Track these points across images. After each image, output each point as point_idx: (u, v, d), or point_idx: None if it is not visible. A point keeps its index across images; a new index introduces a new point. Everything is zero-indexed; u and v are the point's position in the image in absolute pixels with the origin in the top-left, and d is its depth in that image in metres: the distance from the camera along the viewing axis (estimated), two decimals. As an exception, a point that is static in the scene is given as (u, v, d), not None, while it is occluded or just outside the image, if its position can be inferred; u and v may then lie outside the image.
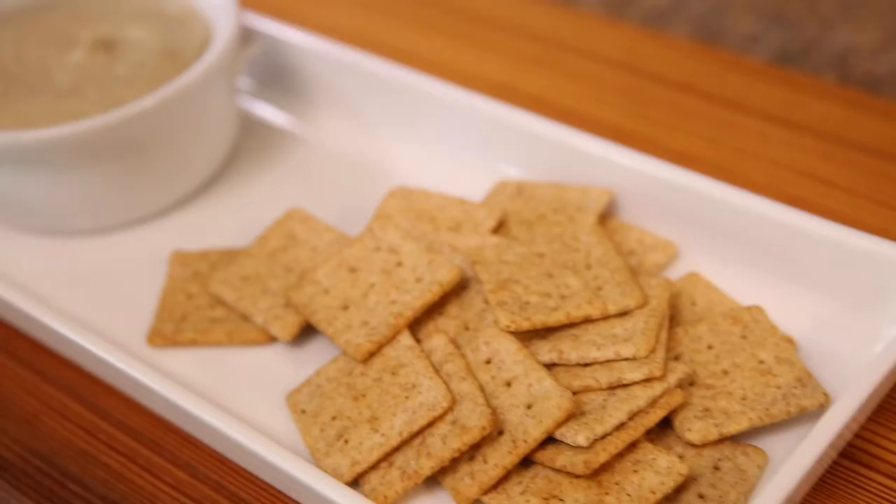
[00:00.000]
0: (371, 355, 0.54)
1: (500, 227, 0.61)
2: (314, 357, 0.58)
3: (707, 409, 0.51)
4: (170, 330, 0.59)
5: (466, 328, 0.55)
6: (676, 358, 0.54)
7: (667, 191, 0.60)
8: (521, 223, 0.61)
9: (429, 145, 0.68)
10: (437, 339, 0.54)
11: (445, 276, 0.56)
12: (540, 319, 0.53)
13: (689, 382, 0.53)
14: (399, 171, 0.68)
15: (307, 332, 0.58)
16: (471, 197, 0.64)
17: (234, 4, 0.67)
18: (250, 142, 0.71)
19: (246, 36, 0.71)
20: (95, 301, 0.62)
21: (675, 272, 0.59)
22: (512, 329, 0.53)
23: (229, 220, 0.67)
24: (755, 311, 0.55)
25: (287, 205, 0.66)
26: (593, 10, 1.03)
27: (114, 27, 0.68)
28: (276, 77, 0.73)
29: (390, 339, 0.55)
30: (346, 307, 0.56)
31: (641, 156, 0.61)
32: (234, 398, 0.56)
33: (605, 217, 0.61)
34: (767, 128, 0.71)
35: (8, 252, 0.66)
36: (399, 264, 0.57)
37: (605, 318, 0.54)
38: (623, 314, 0.54)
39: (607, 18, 0.86)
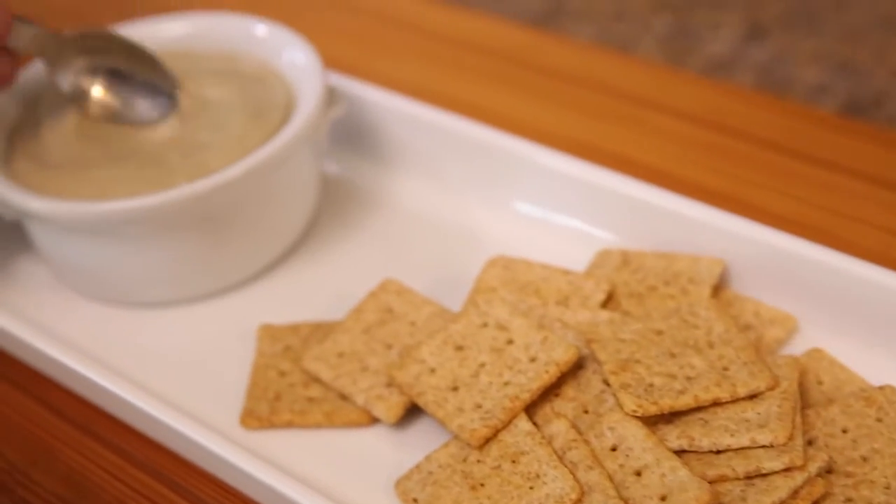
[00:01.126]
0: (487, 441, 0.52)
1: (608, 301, 0.58)
2: (420, 440, 0.55)
3: (850, 500, 0.49)
4: (264, 411, 0.56)
5: (586, 411, 0.53)
6: (810, 443, 0.51)
7: (781, 260, 0.58)
8: (630, 296, 0.58)
9: (520, 209, 0.66)
10: (557, 424, 0.51)
11: (562, 355, 0.53)
12: (668, 403, 0.51)
13: (826, 470, 0.50)
14: (489, 237, 0.65)
15: (410, 412, 0.56)
16: (570, 266, 0.61)
17: (319, 65, 0.65)
18: (330, 205, 0.68)
19: (328, 96, 0.68)
20: (180, 377, 0.60)
21: (796, 348, 0.57)
22: (639, 414, 0.50)
23: (315, 290, 0.64)
24: (889, 391, 0.53)
25: (373, 273, 0.63)
26: (652, 57, 1.01)
27: (192, 88, 0.65)
28: (355, 136, 0.70)
29: (507, 424, 0.52)
30: (455, 388, 0.54)
31: (752, 223, 0.59)
32: (337, 484, 0.54)
33: (717, 288, 0.59)
34: (862, 187, 0.69)
35: (87, 324, 0.63)
36: (510, 342, 0.55)
37: (735, 400, 0.51)
38: (753, 396, 0.51)
39: (683, 73, 0.84)
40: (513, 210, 0.66)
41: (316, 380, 0.57)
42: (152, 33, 0.69)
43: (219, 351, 0.61)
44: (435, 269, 0.64)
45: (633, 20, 1.07)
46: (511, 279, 0.59)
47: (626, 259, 0.60)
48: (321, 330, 0.60)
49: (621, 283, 0.59)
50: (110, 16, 0.89)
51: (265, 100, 0.64)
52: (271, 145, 0.60)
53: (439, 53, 0.83)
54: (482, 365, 0.54)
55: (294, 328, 0.60)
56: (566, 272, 0.59)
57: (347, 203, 0.69)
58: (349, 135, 0.70)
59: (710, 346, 0.53)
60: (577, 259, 0.62)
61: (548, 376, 0.53)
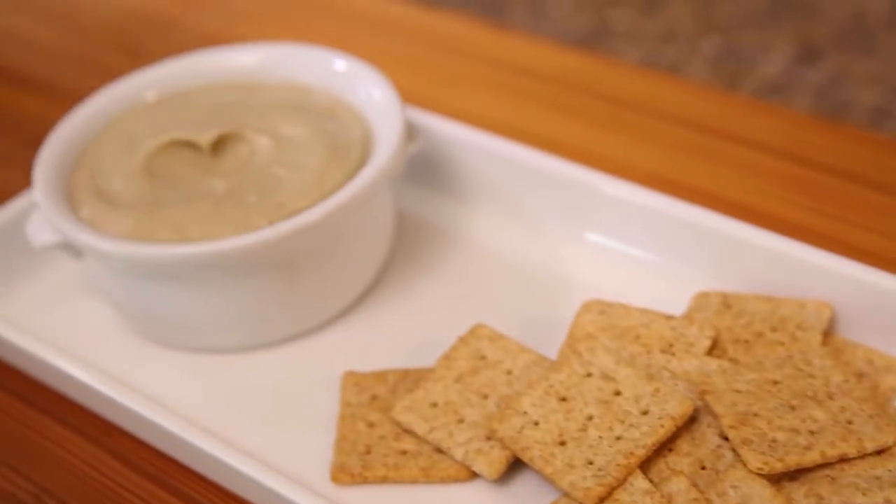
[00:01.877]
0: (602, 500, 0.49)
1: (713, 347, 0.55)
2: (523, 497, 0.52)
3: None
4: (356, 465, 0.53)
5: (703, 467, 0.50)
6: (943, 501, 0.48)
7: (891, 303, 0.55)
8: (736, 342, 0.55)
9: (604, 247, 0.63)
10: (676, 482, 0.49)
11: (676, 409, 0.50)
12: (794, 460, 0.48)
13: (962, 530, 0.47)
14: (574, 276, 0.63)
15: (512, 466, 0.53)
16: (662, 309, 0.58)
17: (398, 100, 0.62)
18: (404, 244, 0.66)
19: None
20: (259, 428, 0.57)
21: (913, 396, 0.54)
22: (764, 472, 0.48)
23: (394, 334, 0.61)
24: None
25: (454, 316, 0.60)
26: (704, 80, 0.99)
27: (265, 122, 0.63)
28: (428, 172, 0.68)
29: (622, 482, 0.49)
30: (563, 442, 0.51)
31: (859, 265, 0.56)
32: (438, 544, 0.51)
33: (826, 334, 0.56)
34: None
35: (158, 371, 0.60)
36: (617, 393, 0.52)
37: (862, 456, 0.49)
38: (881, 451, 0.49)
39: (756, 103, 0.81)
40: (597, 248, 0.63)
41: (408, 432, 0.55)
42: (222, 62, 0.67)
43: (298, 399, 0.58)
44: (519, 310, 0.61)
45: (681, 42, 1.05)
46: (609, 325, 0.57)
47: (726, 302, 0.58)
48: (409, 378, 0.57)
49: (725, 329, 0.56)
50: (162, 45, 0.87)
51: (341, 136, 0.62)
52: (354, 184, 0.58)
53: (502, 81, 0.81)
54: (590, 418, 0.52)
55: (380, 376, 0.58)
56: (668, 317, 0.57)
57: (422, 241, 0.66)
58: (421, 170, 0.68)
59: (830, 397, 0.51)
60: (668, 301, 0.59)
61: (663, 431, 0.50)
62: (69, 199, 0.60)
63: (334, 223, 0.57)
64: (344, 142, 0.61)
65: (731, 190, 0.68)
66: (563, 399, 0.53)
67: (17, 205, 0.67)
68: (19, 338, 0.60)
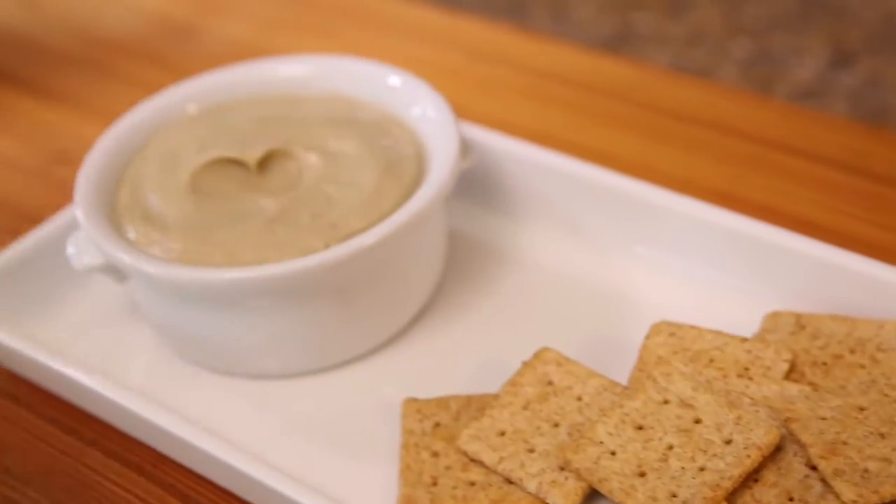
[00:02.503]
0: (689, 535, 0.47)
1: (790, 371, 0.53)
2: (600, 530, 0.50)
3: None
4: (424, 498, 0.51)
5: (791, 499, 0.48)
6: None
7: (971, 323, 0.54)
8: (814, 365, 0.53)
9: (668, 266, 0.61)
10: (766, 516, 0.47)
11: (762, 437, 0.48)
12: (889, 491, 0.46)
13: None
14: (636, 295, 0.61)
15: (587, 497, 0.51)
16: (732, 330, 0.56)
17: (451, 114, 0.60)
18: (456, 263, 0.63)
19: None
20: (318, 457, 0.55)
21: None
22: (859, 504, 0.46)
23: (451, 358, 0.59)
24: None
25: (512, 338, 0.59)
26: (737, 85, 0.97)
27: (313, 138, 0.60)
28: (478, 188, 0.66)
29: (708, 516, 0.47)
30: (642, 473, 0.49)
31: (936, 283, 0.55)
32: (514, 580, 0.49)
33: (905, 355, 0.54)
34: None
35: (210, 399, 0.58)
36: (697, 421, 0.50)
37: (959, 486, 0.47)
38: (977, 481, 0.47)
39: (812, 112, 0.79)
40: (657, 265, 0.61)
41: (475, 462, 0.53)
42: (263, 74, 0.65)
43: (355, 427, 0.56)
44: (579, 331, 0.59)
45: (709, 45, 1.03)
46: (680, 347, 0.55)
47: (800, 323, 0.56)
48: (473, 404, 0.55)
49: (801, 351, 0.54)
50: (185, 53, 0.84)
51: (394, 151, 0.60)
52: (412, 204, 0.55)
53: (539, 89, 0.79)
54: (670, 447, 0.50)
55: (442, 402, 0.55)
56: (742, 339, 0.55)
57: (473, 260, 0.64)
58: (471, 186, 0.66)
59: (920, 423, 0.49)
60: (736, 322, 0.57)
61: (749, 461, 0.48)
62: (112, 219, 0.58)
63: (392, 245, 0.55)
64: (397, 158, 0.59)
65: (791, 203, 0.66)
66: (640, 427, 0.51)
67: (51, 224, 0.64)
68: (60, 363, 0.58)
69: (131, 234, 0.57)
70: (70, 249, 0.58)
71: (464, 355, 0.59)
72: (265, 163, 0.60)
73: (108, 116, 0.78)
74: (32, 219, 0.71)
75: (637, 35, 1.06)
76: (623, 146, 0.72)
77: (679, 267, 0.61)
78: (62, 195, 0.72)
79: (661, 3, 1.10)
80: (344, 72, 0.65)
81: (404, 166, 0.58)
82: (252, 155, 0.59)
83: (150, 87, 0.80)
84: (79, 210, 0.57)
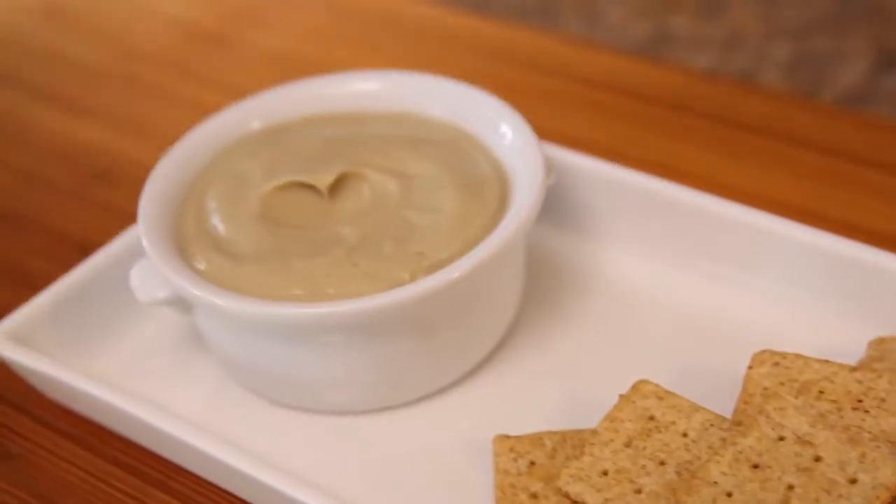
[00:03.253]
0: (820, 583, 0.44)
1: (905, 401, 0.51)
2: (717, 575, 0.47)
3: None
4: (527, 543, 0.49)
5: (922, 541, 0.46)
6: None
7: None
8: (929, 395, 0.51)
9: (762, 290, 0.58)
10: (901, 562, 0.44)
11: (890, 477, 0.46)
12: None
13: None
14: (730, 321, 0.58)
15: (700, 541, 0.48)
16: (835, 358, 0.54)
17: (531, 132, 0.57)
18: (537, 289, 0.61)
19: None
20: (402, 497, 0.52)
21: None
22: None
23: (537, 390, 0.56)
24: None
25: (601, 367, 0.56)
26: (781, 89, 0.95)
27: (385, 159, 0.57)
28: (558, 208, 0.63)
29: (840, 561, 0.45)
30: (763, 517, 0.46)
31: None
32: None
33: None
34: None
35: (283, 436, 0.56)
36: (818, 459, 0.47)
37: None
38: None
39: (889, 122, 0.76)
40: (750, 289, 0.59)
41: (578, 503, 0.50)
42: (325, 92, 0.62)
43: (441, 466, 0.53)
44: (672, 361, 0.56)
45: (749, 48, 1.01)
46: (787, 378, 0.52)
47: (908, 349, 0.53)
48: (568, 441, 0.53)
49: (914, 380, 0.52)
50: (218, 64, 0.81)
51: (472, 173, 0.57)
52: (502, 232, 0.52)
53: (592, 99, 0.76)
54: (790, 487, 0.47)
55: (536, 439, 0.53)
56: (850, 368, 0.52)
57: (553, 285, 0.61)
58: (545, 206, 0.63)
59: None
60: (837, 348, 0.55)
61: (879, 502, 0.46)
62: (180, 248, 0.55)
63: (482, 274, 0.52)
64: (477, 180, 0.56)
65: (874, 219, 0.64)
66: (756, 466, 0.48)
67: (105, 253, 0.61)
68: (121, 399, 0.54)
69: (201, 265, 0.54)
70: (134, 282, 0.55)
71: (547, 387, 0.56)
72: (337, 186, 0.57)
73: (144, 132, 0.76)
74: (75, 242, 0.68)
75: (673, 38, 1.03)
76: (687, 159, 0.70)
77: (773, 290, 0.58)
78: (105, 217, 0.69)
79: (696, 5, 1.07)
80: (412, 88, 0.62)
81: (486, 189, 0.56)
82: (323, 178, 0.56)
83: (185, 101, 0.78)
84: (145, 241, 0.54)
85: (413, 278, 0.51)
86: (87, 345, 0.59)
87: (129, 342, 0.60)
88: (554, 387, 0.56)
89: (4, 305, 0.60)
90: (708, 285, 0.59)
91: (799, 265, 0.58)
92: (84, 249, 0.65)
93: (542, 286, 0.60)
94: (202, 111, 0.71)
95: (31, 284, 0.62)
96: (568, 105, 0.76)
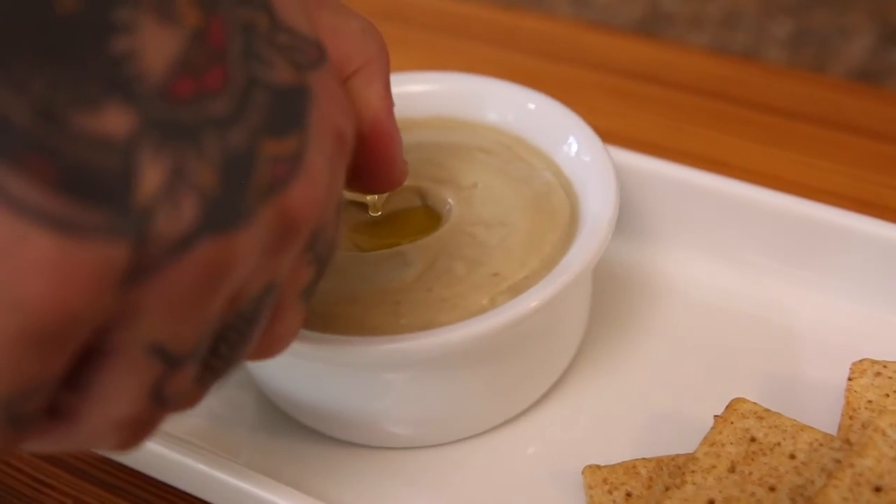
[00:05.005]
0: None
1: None
2: None
3: None
4: (637, 585, 0.45)
5: None
6: None
7: None
8: None
9: (851, 292, 0.55)
10: None
11: None
12: None
13: None
14: (813, 330, 0.54)
15: (822, 572, 0.45)
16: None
17: (595, 133, 0.53)
18: (603, 301, 0.57)
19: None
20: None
21: None
22: None
23: (613, 413, 0.52)
24: None
25: (680, 384, 0.53)
26: (785, 67, 0.92)
27: (437, 168, 0.53)
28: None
29: None
30: (894, 545, 0.43)
31: None
32: None
33: None
34: None
35: (346, 474, 0.51)
36: (945, 479, 0.44)
37: None
38: None
39: None
40: (835, 291, 0.55)
41: (685, 536, 0.46)
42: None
43: (520, 499, 0.49)
44: (758, 375, 0.53)
45: (747, 26, 0.98)
46: (891, 389, 0.49)
47: None
48: (664, 468, 0.49)
49: None
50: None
51: (536, 182, 0.53)
52: (584, 248, 0.49)
53: (618, 88, 0.72)
54: (920, 512, 0.44)
55: (629, 468, 0.49)
56: (959, 376, 0.49)
57: (618, 297, 0.57)
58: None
59: None
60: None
61: None
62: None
63: (567, 295, 0.48)
64: (543, 189, 0.52)
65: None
66: (879, 489, 0.45)
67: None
68: (165, 446, 0.50)
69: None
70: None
71: (624, 409, 0.53)
72: (389, 201, 0.52)
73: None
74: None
75: (667, 16, 0.99)
76: (732, 150, 0.66)
77: (866, 293, 0.55)
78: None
79: (687, -18, 1.04)
80: (452, 90, 0.57)
81: (553, 199, 0.52)
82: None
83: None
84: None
85: (493, 303, 0.47)
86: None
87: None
88: (631, 408, 0.52)
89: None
90: (790, 290, 0.56)
91: (872, 265, 0.55)
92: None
93: (606, 298, 0.57)
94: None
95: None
96: (585, 93, 0.72)
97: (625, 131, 0.68)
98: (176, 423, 0.51)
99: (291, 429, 0.53)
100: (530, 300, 0.46)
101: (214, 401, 0.55)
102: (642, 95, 0.71)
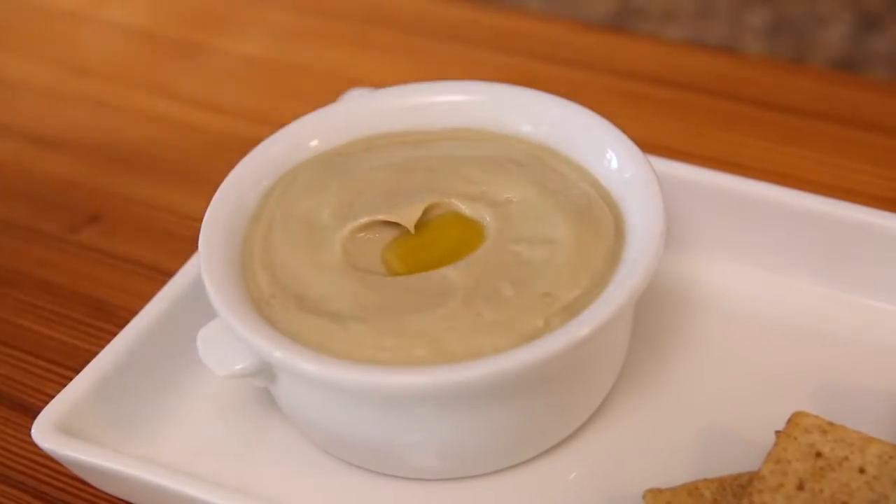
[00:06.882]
0: None
1: None
2: None
3: None
4: None
5: None
6: None
7: None
8: None
9: (882, 300, 0.54)
10: None
11: None
12: None
13: None
14: (858, 337, 0.53)
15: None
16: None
17: (633, 143, 0.51)
18: (642, 313, 0.55)
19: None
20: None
21: None
22: None
23: (664, 431, 0.50)
24: None
25: (729, 398, 0.51)
26: (765, 57, 0.91)
27: (469, 184, 0.51)
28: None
29: None
30: (982, 560, 0.42)
31: None
32: None
33: None
34: None
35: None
36: None
37: None
38: None
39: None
40: (883, 294, 0.54)
41: (758, 560, 0.45)
42: (374, 110, 0.55)
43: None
44: (815, 386, 0.51)
45: (723, 17, 0.97)
46: (954, 394, 0.48)
47: None
48: (728, 488, 0.47)
49: None
50: (195, 76, 0.73)
51: (576, 195, 0.50)
52: (639, 263, 0.46)
53: (623, 90, 0.70)
54: None
55: (692, 490, 0.47)
56: None
57: (659, 309, 0.55)
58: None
59: None
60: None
61: None
62: (260, 312, 0.47)
63: (624, 313, 0.46)
64: (584, 202, 0.50)
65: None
66: (958, 502, 0.44)
67: (145, 318, 0.53)
68: (203, 490, 0.46)
69: (293, 328, 0.46)
70: (204, 352, 0.48)
71: (674, 429, 0.50)
72: (424, 221, 0.50)
73: (127, 161, 0.67)
74: (84, 300, 0.59)
75: (639, 10, 0.98)
76: (746, 151, 0.65)
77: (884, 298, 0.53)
78: (97, 265, 0.60)
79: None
80: (476, 98, 0.55)
81: (596, 212, 0.49)
82: (407, 214, 0.49)
83: (159, 118, 0.69)
84: (220, 305, 0.46)
85: (548, 325, 0.45)
86: (140, 426, 0.51)
87: (190, 418, 0.52)
88: (681, 427, 0.50)
89: (26, 387, 0.52)
90: (834, 297, 0.54)
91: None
92: (97, 308, 0.57)
93: (644, 311, 0.55)
94: (180, 129, 0.63)
95: (46, 357, 0.54)
96: (597, 97, 0.70)
97: (634, 135, 0.66)
98: (203, 463, 0.49)
99: (331, 464, 0.50)
100: (592, 320, 0.44)
101: (243, 438, 0.52)
102: (641, 95, 0.69)
